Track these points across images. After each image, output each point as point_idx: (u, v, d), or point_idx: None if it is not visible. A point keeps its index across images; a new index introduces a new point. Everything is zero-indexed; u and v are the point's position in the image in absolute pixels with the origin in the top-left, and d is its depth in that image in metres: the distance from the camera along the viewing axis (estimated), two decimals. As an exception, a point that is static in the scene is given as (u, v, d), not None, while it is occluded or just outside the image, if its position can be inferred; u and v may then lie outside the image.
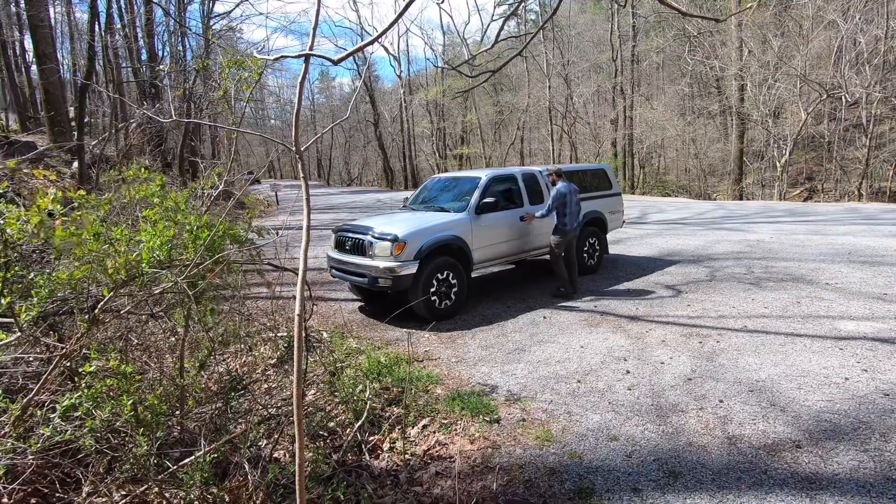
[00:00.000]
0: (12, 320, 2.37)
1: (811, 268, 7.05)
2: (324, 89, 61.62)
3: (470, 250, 6.07)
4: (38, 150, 11.47)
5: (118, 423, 2.28)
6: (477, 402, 3.64)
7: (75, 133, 11.46)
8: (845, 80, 19.49)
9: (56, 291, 2.42)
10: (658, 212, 15.49)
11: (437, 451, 3.14)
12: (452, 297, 5.85)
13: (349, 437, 3.09)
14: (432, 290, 5.65)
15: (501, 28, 7.50)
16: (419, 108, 41.84)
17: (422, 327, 5.37)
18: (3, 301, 2.21)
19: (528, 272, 8.09)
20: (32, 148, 11.38)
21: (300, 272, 1.92)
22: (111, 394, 2.31)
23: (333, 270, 6.26)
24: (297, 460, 1.80)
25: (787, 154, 20.97)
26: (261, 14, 56.72)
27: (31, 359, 2.70)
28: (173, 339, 3.49)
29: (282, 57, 2.97)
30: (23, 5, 16.38)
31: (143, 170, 3.02)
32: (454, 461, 3.01)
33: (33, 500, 2.26)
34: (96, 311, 2.39)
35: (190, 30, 19.96)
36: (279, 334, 4.57)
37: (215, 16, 21.08)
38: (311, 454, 2.82)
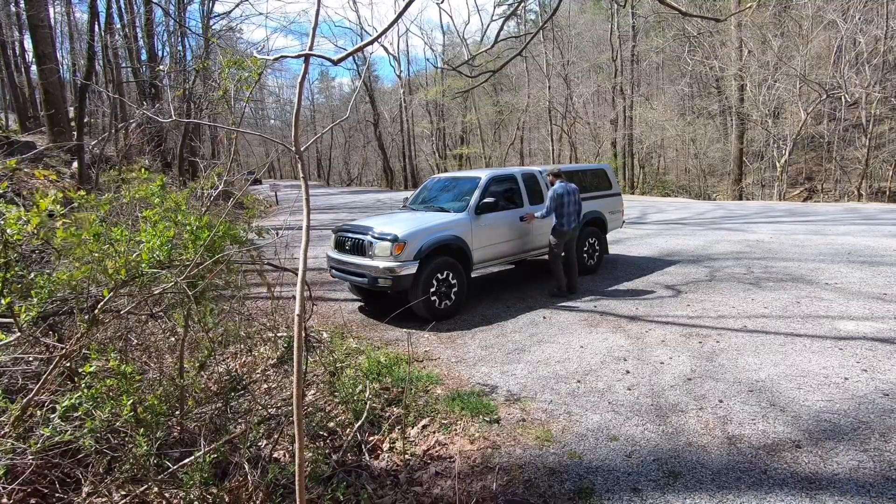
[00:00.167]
0: (12, 320, 2.37)
1: (811, 268, 7.06)
2: (324, 89, 61.67)
3: (470, 250, 6.07)
4: (38, 150, 11.47)
5: (118, 424, 2.29)
6: (477, 402, 3.64)
7: (75, 133, 11.46)
8: (845, 80, 19.49)
9: (56, 292, 2.42)
10: (658, 212, 15.49)
11: (436, 452, 3.14)
12: (452, 297, 5.85)
13: (349, 437, 3.09)
14: (432, 290, 5.65)
15: (501, 28, 7.50)
16: (419, 108, 41.86)
17: (422, 327, 5.37)
18: (3, 301, 2.21)
19: (528, 272, 8.09)
20: (32, 148, 11.38)
21: (300, 272, 1.92)
22: (111, 394, 2.31)
23: (333, 270, 6.26)
24: (296, 460, 1.80)
25: (787, 154, 20.98)
26: (261, 14, 56.80)
27: (31, 359, 2.70)
28: (173, 339, 3.50)
29: (281, 57, 2.97)
30: (23, 5, 16.38)
31: (143, 170, 3.02)
32: (454, 461, 3.01)
33: (33, 501, 2.26)
34: (96, 311, 2.39)
35: (190, 30, 19.97)
36: (279, 334, 4.57)
37: (215, 16, 21.08)
38: (310, 454, 2.82)
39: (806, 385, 3.70)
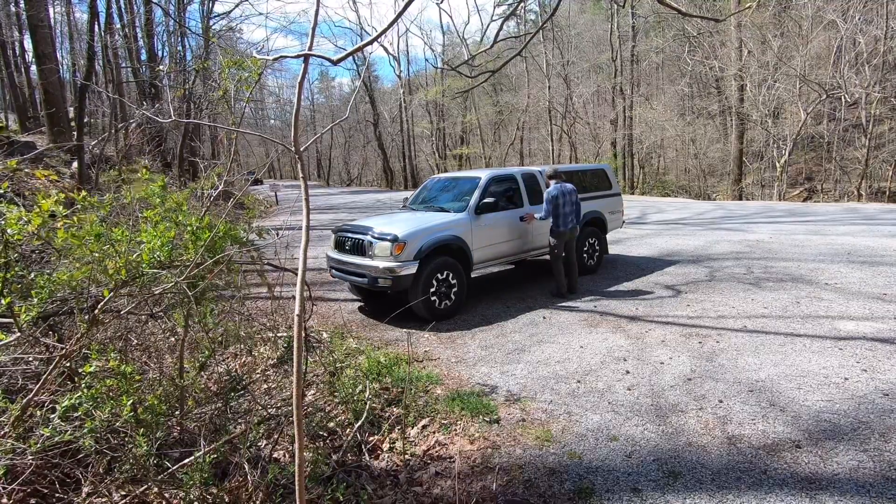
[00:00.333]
0: (12, 320, 2.37)
1: (811, 268, 7.06)
2: (323, 89, 61.69)
3: (470, 250, 6.07)
4: (38, 150, 11.47)
5: (118, 424, 2.29)
6: (477, 402, 3.64)
7: (75, 133, 11.46)
8: (845, 80, 19.50)
9: (56, 292, 2.42)
10: (658, 212, 15.50)
11: (436, 452, 3.14)
12: (452, 297, 5.85)
13: (349, 438, 3.09)
14: (432, 290, 5.66)
15: (500, 28, 7.51)
16: (419, 108, 41.87)
17: (421, 327, 5.38)
18: (3, 301, 2.21)
19: (528, 272, 8.09)
20: (32, 148, 11.37)
21: (299, 272, 1.92)
22: (111, 394, 2.31)
23: (333, 270, 6.26)
24: (296, 460, 1.81)
25: (787, 154, 20.98)
26: (260, 14, 56.81)
27: (31, 359, 2.70)
28: (173, 339, 3.50)
29: (281, 57, 2.97)
30: (23, 5, 16.38)
31: (145, 170, 3.02)
32: (454, 461, 3.01)
33: (33, 501, 2.26)
34: (96, 311, 2.39)
35: (190, 30, 19.96)
36: (279, 334, 4.57)
37: (215, 16, 21.07)
38: (310, 454, 2.82)
39: (806, 385, 3.70)
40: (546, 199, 6.35)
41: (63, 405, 2.19)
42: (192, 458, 2.34)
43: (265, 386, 3.81)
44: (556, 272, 6.53)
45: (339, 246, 6.21)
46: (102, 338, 2.95)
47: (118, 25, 18.88)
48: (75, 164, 11.41)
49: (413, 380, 3.97)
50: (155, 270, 2.50)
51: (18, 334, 2.40)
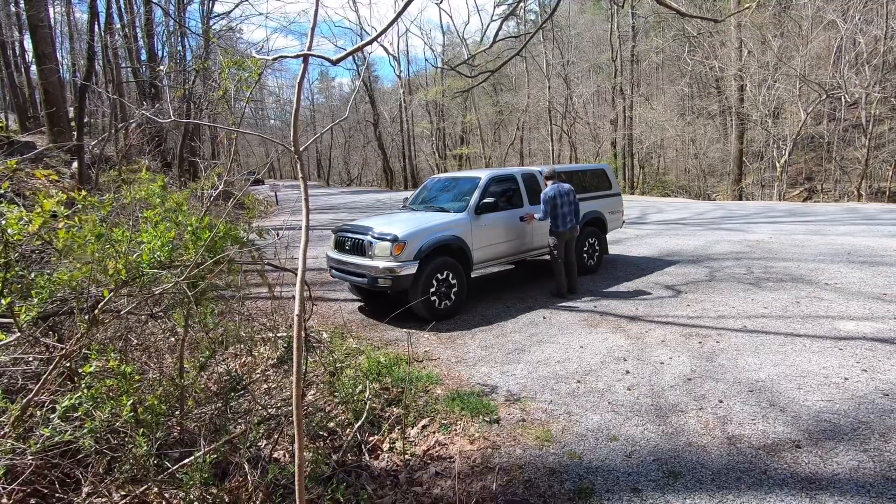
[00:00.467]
0: (12, 320, 2.37)
1: (811, 268, 7.06)
2: (323, 89, 61.69)
3: (470, 250, 6.07)
4: (38, 150, 11.47)
5: (118, 424, 2.28)
6: (477, 402, 3.64)
7: (75, 133, 11.46)
8: (845, 80, 19.50)
9: (56, 292, 2.42)
10: (658, 212, 15.50)
11: (436, 452, 3.14)
12: (452, 297, 5.85)
13: (349, 438, 3.09)
14: (432, 290, 5.66)
15: (500, 28, 7.51)
16: (419, 108, 41.87)
17: (421, 327, 5.38)
18: (3, 301, 2.21)
19: (528, 272, 8.09)
20: (32, 148, 11.37)
21: (299, 272, 1.92)
22: (111, 394, 2.31)
23: (333, 270, 6.26)
24: (296, 460, 1.81)
25: (787, 154, 20.98)
26: (260, 14, 56.80)
27: (31, 359, 2.70)
28: (173, 339, 3.50)
29: (280, 57, 2.97)
30: (23, 5, 16.38)
31: (145, 170, 3.02)
32: (454, 461, 3.01)
33: (33, 501, 2.26)
34: (96, 311, 2.39)
35: (190, 30, 19.95)
36: (279, 334, 4.57)
37: (215, 16, 21.06)
38: (310, 454, 2.82)
39: (806, 385, 3.70)
40: (543, 200, 6.35)
41: (63, 405, 2.19)
42: (192, 458, 2.34)
43: (265, 386, 3.81)
44: (556, 272, 6.53)
45: (339, 246, 6.21)
46: (102, 338, 2.95)
47: (118, 25, 18.87)
48: (75, 164, 11.40)
49: (413, 380, 3.97)
50: (155, 270, 2.50)
51: (18, 334, 2.40)
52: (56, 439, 2.13)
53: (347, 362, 4.24)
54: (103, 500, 2.27)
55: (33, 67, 16.51)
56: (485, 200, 6.28)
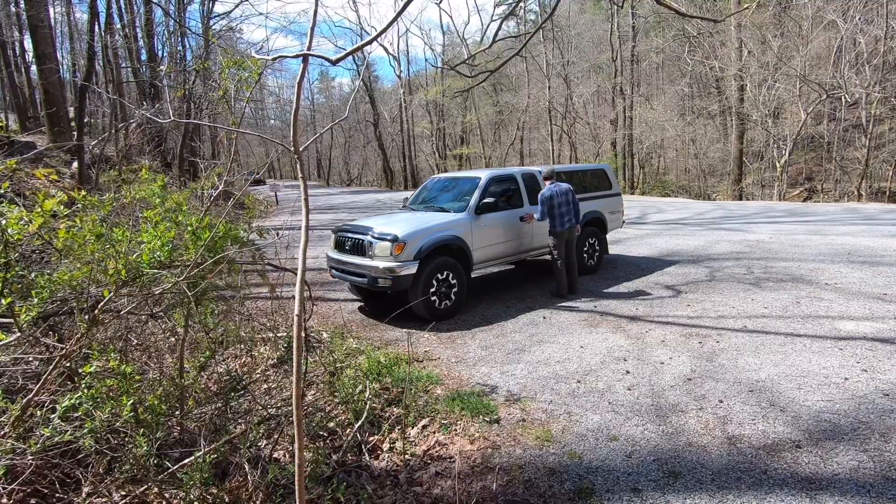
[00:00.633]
0: (12, 320, 2.37)
1: (811, 268, 7.06)
2: (323, 89, 61.71)
3: (470, 250, 6.07)
4: (38, 149, 11.47)
5: (118, 424, 2.28)
6: (477, 402, 3.64)
7: (75, 133, 11.46)
8: (845, 80, 19.50)
9: (56, 292, 2.42)
10: (658, 212, 15.50)
11: (436, 452, 3.14)
12: (452, 297, 5.85)
13: (349, 438, 3.09)
14: (432, 290, 5.66)
15: (499, 28, 7.50)
16: (419, 108, 41.88)
17: (421, 327, 5.37)
18: (3, 301, 2.21)
19: (528, 272, 8.09)
20: (32, 148, 11.37)
21: (299, 272, 1.92)
22: (111, 394, 2.31)
23: (333, 270, 6.26)
24: (296, 461, 1.81)
25: (787, 154, 20.98)
26: (261, 14, 56.75)
27: (31, 359, 2.70)
28: (173, 339, 3.50)
29: (280, 57, 2.97)
30: (23, 5, 16.38)
31: (145, 170, 3.02)
32: (454, 461, 3.01)
33: (33, 501, 2.26)
34: (96, 311, 2.39)
35: (190, 30, 19.94)
36: (279, 334, 4.57)
37: (215, 16, 21.05)
38: (310, 454, 2.82)
39: (806, 385, 3.70)
40: (540, 200, 6.34)
41: (63, 405, 2.19)
42: (193, 458, 2.34)
43: (265, 386, 3.81)
44: (556, 272, 6.53)
45: (339, 246, 6.21)
46: (102, 338, 2.95)
47: (118, 25, 18.86)
48: (75, 164, 11.40)
49: (413, 380, 3.97)
50: (155, 270, 2.50)
51: (18, 334, 2.40)
52: (56, 439, 2.13)
53: (347, 362, 4.24)
54: (103, 500, 2.27)
55: (33, 67, 16.52)
56: (485, 200, 6.27)
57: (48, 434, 2.12)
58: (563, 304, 6.17)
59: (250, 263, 3.85)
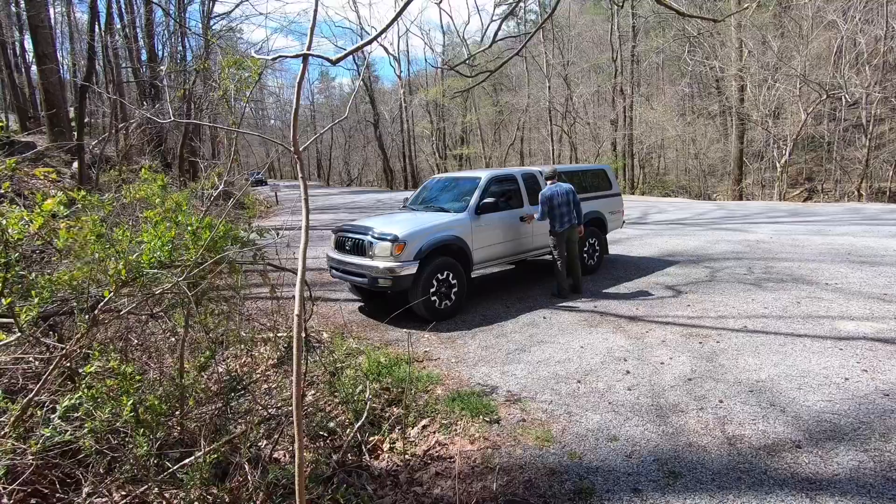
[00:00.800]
0: (12, 320, 2.37)
1: (811, 268, 7.06)
2: (323, 89, 61.75)
3: (470, 250, 6.07)
4: (38, 149, 11.47)
5: (118, 424, 2.28)
6: (477, 402, 3.64)
7: (75, 133, 11.46)
8: (845, 80, 19.49)
9: (56, 292, 2.42)
10: (658, 212, 15.50)
11: (437, 452, 3.14)
12: (452, 297, 5.85)
13: (349, 438, 3.09)
14: (432, 290, 5.65)
15: (499, 28, 7.50)
16: (419, 108, 41.91)
17: (422, 328, 5.37)
18: (3, 301, 2.21)
19: (528, 272, 8.09)
20: (32, 148, 11.38)
21: (299, 272, 1.92)
22: (111, 394, 2.31)
23: (333, 271, 6.26)
24: (296, 461, 1.81)
25: (787, 154, 20.98)
26: (261, 14, 56.71)
27: (31, 359, 2.70)
28: (173, 339, 3.49)
29: (280, 57, 2.97)
30: (23, 5, 16.38)
31: (144, 171, 3.02)
32: (454, 461, 3.01)
33: (33, 501, 2.26)
34: (96, 311, 2.39)
35: (190, 30, 19.94)
36: (279, 335, 4.57)
37: (215, 16, 21.05)
38: (310, 455, 2.82)
39: (806, 385, 3.70)
40: (540, 200, 6.34)
41: (63, 405, 2.19)
42: (193, 458, 2.34)
43: (265, 386, 3.81)
44: (556, 272, 6.53)
45: (340, 246, 6.21)
46: (103, 338, 2.96)
47: (118, 25, 18.88)
48: (75, 164, 11.40)
49: (413, 380, 3.97)
50: (155, 270, 2.50)
51: (19, 334, 2.40)
52: (56, 439, 2.13)
53: (347, 362, 4.24)
54: (103, 500, 2.27)
55: (33, 67, 16.52)
56: (485, 200, 6.27)
57: (48, 434, 2.12)
58: (564, 304, 6.17)
59: (250, 263, 3.85)
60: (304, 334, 4.01)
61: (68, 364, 2.49)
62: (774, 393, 3.61)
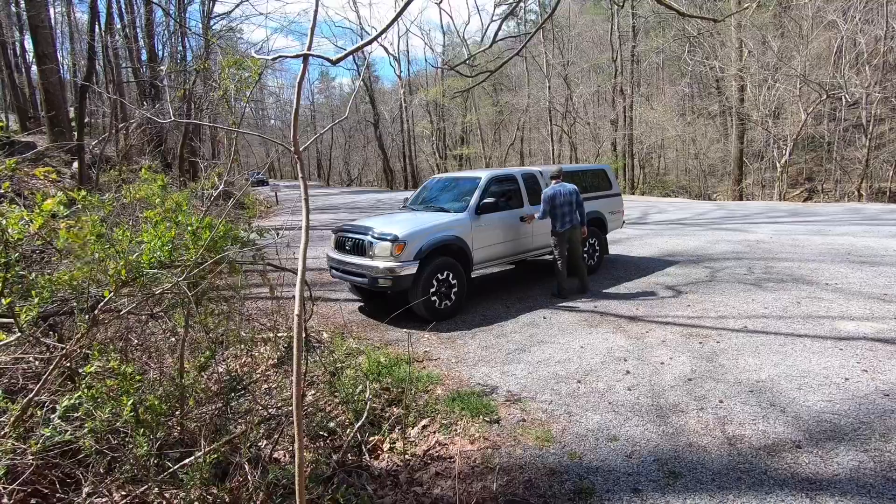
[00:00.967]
0: (12, 320, 2.37)
1: (811, 268, 7.06)
2: (323, 89, 61.76)
3: (470, 250, 6.07)
4: (38, 149, 11.47)
5: (118, 424, 2.28)
6: (477, 402, 3.64)
7: (75, 133, 11.47)
8: (845, 80, 19.49)
9: (57, 292, 2.42)
10: (658, 212, 15.49)
11: (437, 452, 3.14)
12: (452, 297, 5.85)
13: (349, 438, 3.09)
14: (432, 290, 5.65)
15: (500, 28, 7.50)
16: (419, 108, 41.92)
17: (422, 328, 5.37)
18: (3, 301, 2.21)
19: (528, 272, 8.09)
20: (32, 148, 11.38)
21: (299, 272, 1.92)
22: (111, 394, 2.31)
23: (333, 271, 6.26)
24: (296, 461, 1.81)
25: (787, 154, 20.98)
26: (261, 14, 56.61)
27: (31, 359, 2.70)
28: (173, 339, 3.49)
29: (280, 57, 2.97)
30: (23, 5, 16.39)
31: (143, 170, 3.02)
32: (454, 461, 3.01)
33: (33, 501, 2.26)
34: (96, 311, 2.39)
35: (190, 30, 19.94)
36: (279, 335, 4.57)
37: (215, 16, 21.04)
38: (311, 455, 2.82)
39: (806, 385, 3.70)
40: (543, 199, 6.36)
41: (63, 405, 2.19)
42: (193, 458, 2.34)
43: (265, 386, 3.81)
44: (556, 272, 6.53)
45: (340, 246, 6.21)
46: (103, 338, 2.96)
47: (118, 26, 18.88)
48: (76, 164, 11.40)
49: (413, 380, 3.97)
50: (155, 270, 2.50)
51: (19, 334, 2.40)
52: (56, 439, 2.13)
53: (347, 362, 4.24)
54: (104, 500, 2.27)
55: (34, 68, 16.53)
56: (485, 200, 6.27)
57: (48, 434, 2.12)
58: (564, 304, 6.17)
59: (250, 263, 3.85)
60: (304, 334, 4.01)
61: (68, 364, 2.49)
62: (774, 393, 3.61)
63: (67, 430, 2.16)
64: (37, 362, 2.68)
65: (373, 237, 5.65)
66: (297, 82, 2.17)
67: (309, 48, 2.12)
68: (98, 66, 16.48)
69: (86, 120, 12.75)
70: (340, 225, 6.53)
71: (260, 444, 2.85)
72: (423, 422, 3.46)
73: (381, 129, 41.08)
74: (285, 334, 4.56)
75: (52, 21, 17.91)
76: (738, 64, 22.24)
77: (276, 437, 2.92)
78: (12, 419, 2.19)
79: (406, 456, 3.07)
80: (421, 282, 5.52)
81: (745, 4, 19.20)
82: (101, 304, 2.41)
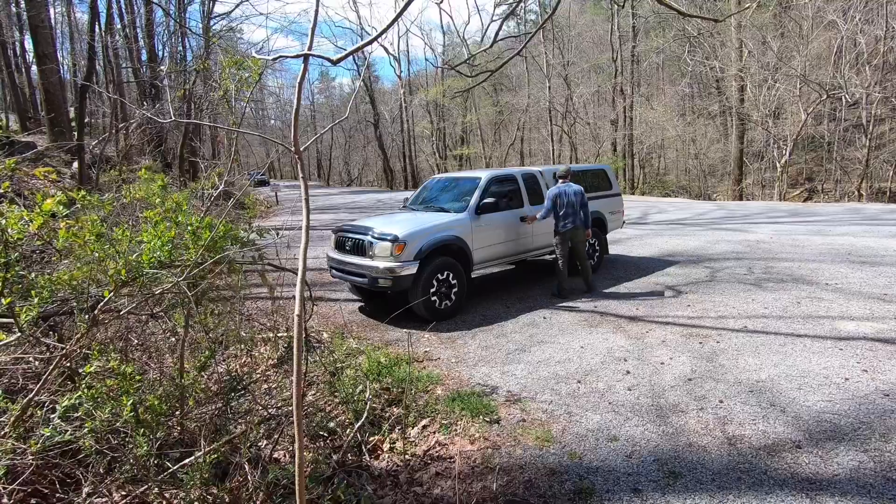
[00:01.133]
0: (12, 320, 2.37)
1: (811, 268, 7.05)
2: (323, 89, 61.75)
3: (470, 251, 6.07)
4: (38, 149, 11.48)
5: (118, 424, 2.28)
6: (477, 402, 3.64)
7: (75, 133, 11.46)
8: (845, 80, 19.49)
9: (56, 292, 2.42)
10: (658, 212, 15.49)
11: (437, 452, 3.14)
12: (452, 297, 5.85)
13: (349, 438, 3.09)
14: (432, 290, 5.65)
15: (500, 28, 7.49)
16: (419, 108, 41.91)
17: (422, 328, 5.37)
18: (3, 301, 2.21)
19: (529, 272, 8.09)
20: (32, 148, 11.38)
21: (299, 272, 1.92)
22: (111, 394, 2.31)
23: (333, 271, 6.26)
24: (296, 461, 1.81)
25: (787, 154, 20.98)
26: (261, 14, 56.68)
27: (31, 359, 2.70)
28: (173, 339, 3.49)
29: (280, 57, 2.97)
30: (23, 5, 16.39)
31: (143, 170, 3.02)
32: (454, 462, 3.01)
33: (33, 501, 2.26)
34: (96, 311, 2.39)
35: (190, 30, 19.94)
36: (279, 335, 4.57)
37: (215, 16, 21.05)
38: (311, 455, 2.82)
39: (806, 385, 3.70)
40: (547, 197, 6.37)
41: (63, 405, 2.19)
42: (193, 458, 2.34)
43: (265, 386, 3.81)
44: (557, 272, 6.53)
45: (340, 246, 6.21)
46: (103, 338, 2.96)
47: (118, 26, 18.89)
48: (75, 164, 11.40)
49: (413, 380, 3.97)
50: (155, 270, 2.50)
51: (19, 334, 2.40)
52: (56, 439, 2.13)
53: (348, 362, 4.24)
54: (103, 500, 2.27)
55: (34, 68, 16.54)
56: (485, 200, 6.27)
57: (48, 434, 2.12)
58: (564, 304, 6.17)
59: (250, 263, 3.85)
60: (304, 334, 4.01)
61: (68, 364, 2.49)
62: (774, 393, 3.61)
63: (67, 430, 2.16)
64: (37, 362, 2.68)
65: (373, 237, 5.65)
66: (297, 82, 2.17)
67: (309, 48, 2.12)
68: (98, 66, 16.47)
69: (86, 120, 12.74)
70: (340, 225, 6.53)
71: (260, 444, 2.85)
72: (423, 422, 3.46)
73: (381, 129, 41.08)
74: (285, 334, 4.56)
75: (52, 21, 17.92)
76: (738, 64, 22.23)
77: (276, 437, 2.92)
78: (12, 419, 2.19)
79: (406, 456, 3.07)
80: (421, 282, 5.52)
81: (745, 4, 19.21)
82: (101, 304, 2.41)
